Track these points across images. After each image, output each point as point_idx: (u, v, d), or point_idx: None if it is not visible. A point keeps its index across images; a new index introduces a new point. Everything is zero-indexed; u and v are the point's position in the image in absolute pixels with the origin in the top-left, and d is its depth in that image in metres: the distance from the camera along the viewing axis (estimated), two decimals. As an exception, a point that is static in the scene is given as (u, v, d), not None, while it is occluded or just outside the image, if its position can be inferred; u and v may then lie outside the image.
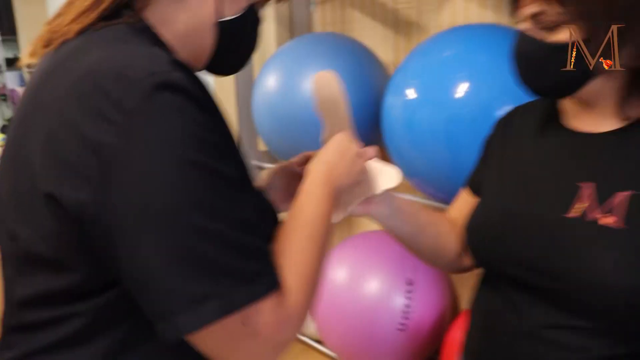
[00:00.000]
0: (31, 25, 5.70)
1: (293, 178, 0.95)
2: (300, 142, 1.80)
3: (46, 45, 0.70)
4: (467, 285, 1.86)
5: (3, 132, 7.16)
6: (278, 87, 1.82)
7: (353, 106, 1.72)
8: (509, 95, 1.30)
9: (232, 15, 0.74)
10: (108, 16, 0.67)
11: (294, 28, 2.17)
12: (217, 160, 0.59)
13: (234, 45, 0.76)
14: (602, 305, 0.75)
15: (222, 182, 0.59)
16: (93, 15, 0.67)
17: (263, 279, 0.60)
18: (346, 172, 0.80)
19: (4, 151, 0.70)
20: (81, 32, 0.67)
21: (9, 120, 7.49)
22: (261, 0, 0.78)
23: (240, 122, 2.10)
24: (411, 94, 1.49)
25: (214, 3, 0.72)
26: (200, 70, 0.77)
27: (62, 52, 0.66)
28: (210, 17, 0.72)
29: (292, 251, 0.67)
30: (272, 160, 2.15)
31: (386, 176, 0.88)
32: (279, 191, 0.96)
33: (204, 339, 0.59)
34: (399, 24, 1.93)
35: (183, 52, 0.71)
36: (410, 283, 1.81)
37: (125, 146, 0.56)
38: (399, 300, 1.79)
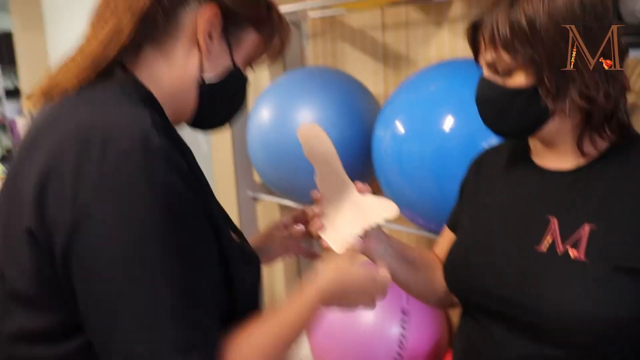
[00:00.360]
0: (30, 56, 5.77)
1: (286, 234, 1.02)
2: (293, 174, 1.84)
3: (47, 97, 0.74)
4: (461, 313, 1.87)
5: (2, 162, 7.19)
6: (272, 120, 1.86)
7: (345, 138, 1.77)
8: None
9: (214, 76, 0.77)
10: (103, 73, 0.72)
11: (286, 62, 2.21)
12: (181, 230, 0.63)
13: (215, 104, 0.80)
14: (568, 335, 0.79)
15: (181, 251, 0.63)
16: (90, 73, 0.72)
17: (196, 352, 0.61)
18: (345, 300, 0.80)
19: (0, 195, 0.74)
20: (79, 87, 0.71)
21: (8, 150, 7.53)
22: (245, 62, 0.81)
23: (235, 154, 2.14)
24: (400, 127, 1.52)
25: (198, 63, 0.75)
26: (182, 122, 0.81)
27: (60, 107, 0.71)
28: (193, 76, 0.76)
29: (254, 344, 0.69)
30: (267, 191, 2.18)
31: (384, 208, 0.92)
32: (272, 247, 1.02)
33: None
34: (388, 58, 1.98)
35: (169, 107, 0.75)
36: (405, 313, 1.83)
37: (97, 202, 0.60)
38: (394, 330, 1.80)
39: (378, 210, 0.91)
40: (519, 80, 0.82)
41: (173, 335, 0.60)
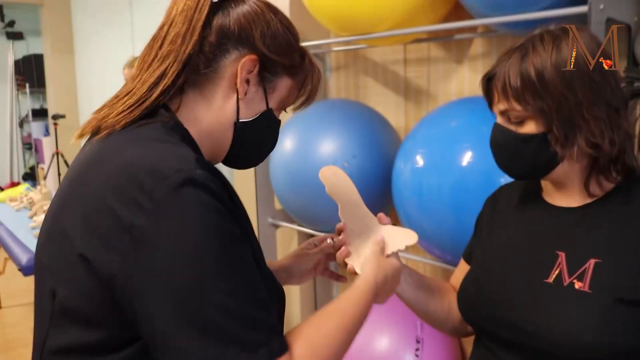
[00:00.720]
0: (59, 78, 5.95)
1: (308, 258, 1.07)
2: (313, 202, 1.88)
3: (95, 133, 0.81)
4: (476, 345, 1.89)
5: (25, 179, 7.34)
6: (294, 150, 1.92)
7: (365, 169, 1.82)
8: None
9: (248, 118, 0.83)
10: (148, 114, 0.78)
11: (310, 93, 2.28)
12: (231, 244, 0.69)
13: (249, 145, 0.86)
14: None
15: (235, 262, 0.69)
16: (136, 112, 0.78)
17: (265, 349, 0.67)
18: (386, 288, 0.91)
19: (45, 222, 0.80)
20: (125, 125, 0.77)
21: (31, 168, 7.69)
22: (278, 106, 0.87)
23: (257, 181, 2.19)
24: (420, 160, 1.57)
25: (235, 106, 0.82)
26: (216, 161, 0.87)
27: (107, 143, 0.77)
28: (230, 119, 0.82)
29: (322, 334, 0.75)
30: (287, 218, 2.23)
31: (404, 235, 0.98)
32: (302, 266, 1.07)
33: None
34: (410, 92, 2.04)
35: (205, 147, 0.82)
36: (419, 341, 1.85)
37: (153, 228, 0.66)
38: (408, 358, 1.82)
39: (399, 237, 0.97)
40: (530, 128, 0.88)
41: (239, 336, 0.66)
